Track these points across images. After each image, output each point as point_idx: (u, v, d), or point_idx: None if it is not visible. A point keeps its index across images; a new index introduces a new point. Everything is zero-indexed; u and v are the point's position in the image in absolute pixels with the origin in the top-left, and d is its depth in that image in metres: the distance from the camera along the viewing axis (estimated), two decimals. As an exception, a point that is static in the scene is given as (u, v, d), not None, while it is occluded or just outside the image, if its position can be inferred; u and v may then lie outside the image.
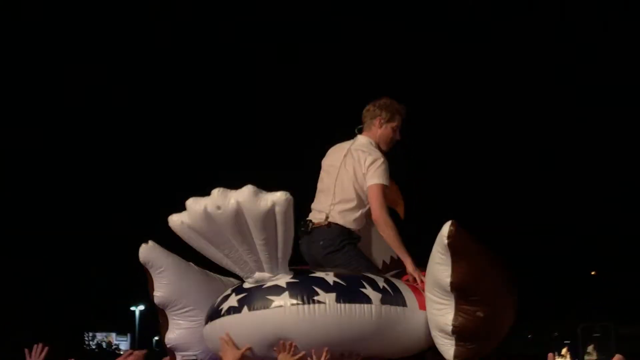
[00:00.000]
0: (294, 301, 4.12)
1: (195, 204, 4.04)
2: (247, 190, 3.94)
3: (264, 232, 4.03)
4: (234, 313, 4.23)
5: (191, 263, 4.73)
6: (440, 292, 4.20)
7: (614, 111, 32.99)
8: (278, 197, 3.95)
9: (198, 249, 4.25)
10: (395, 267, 4.91)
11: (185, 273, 4.68)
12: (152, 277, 4.63)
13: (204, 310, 4.57)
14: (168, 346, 4.75)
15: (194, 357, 4.83)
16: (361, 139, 5.10)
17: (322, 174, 5.15)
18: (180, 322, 4.69)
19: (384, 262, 5.07)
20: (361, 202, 4.88)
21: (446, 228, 4.11)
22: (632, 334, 24.22)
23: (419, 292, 4.47)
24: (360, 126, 5.20)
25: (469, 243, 4.15)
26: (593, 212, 32.41)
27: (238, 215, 3.96)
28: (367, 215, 4.91)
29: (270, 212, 3.95)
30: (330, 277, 4.25)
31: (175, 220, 4.16)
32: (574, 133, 32.60)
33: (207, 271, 4.78)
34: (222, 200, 3.95)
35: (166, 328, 4.73)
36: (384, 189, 4.83)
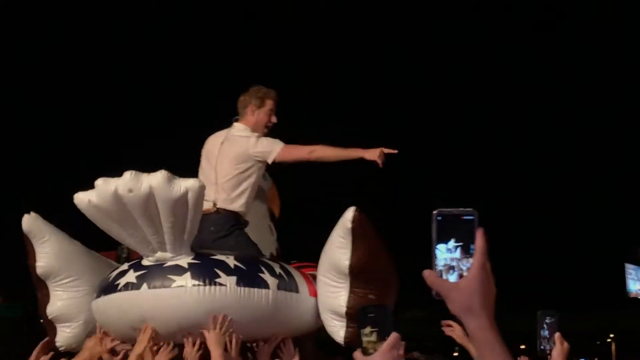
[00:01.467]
0: (195, 282, 4.16)
1: (105, 185, 3.99)
2: (161, 175, 3.96)
3: (173, 216, 4.06)
4: (132, 289, 4.24)
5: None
6: (336, 275, 4.34)
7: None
8: (192, 184, 4.02)
9: (101, 227, 4.22)
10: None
11: (68, 244, 4.66)
12: (35, 247, 4.58)
13: (87, 281, 4.60)
14: (50, 317, 4.68)
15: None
16: (238, 126, 5.20)
17: (202, 162, 5.22)
18: (62, 293, 4.65)
19: (271, 254, 5.20)
20: (244, 185, 4.96)
21: (350, 213, 4.26)
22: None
23: (309, 279, 4.62)
24: (236, 117, 5.30)
25: (368, 228, 4.31)
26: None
27: (149, 199, 3.97)
28: (250, 203, 5.03)
29: (182, 198, 4.00)
30: (231, 261, 4.33)
31: (82, 198, 4.10)
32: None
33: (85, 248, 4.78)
34: (135, 184, 3.94)
35: (46, 302, 4.67)
36: (287, 147, 4.92)
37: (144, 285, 4.21)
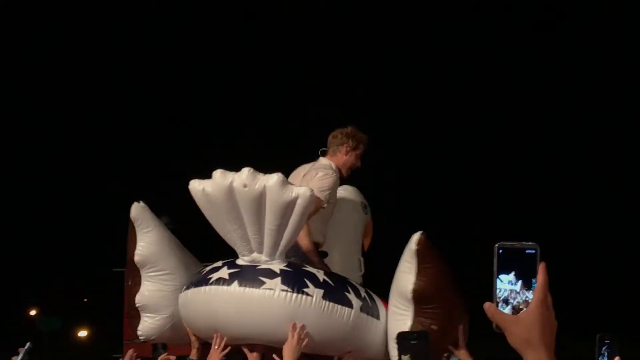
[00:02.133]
0: (284, 287, 4.27)
1: (222, 177, 4.22)
2: (277, 177, 4.17)
3: (280, 219, 4.24)
4: (223, 284, 4.37)
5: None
6: (401, 302, 4.37)
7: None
8: (303, 192, 4.23)
9: (208, 217, 4.45)
10: None
11: (168, 239, 4.85)
12: (137, 234, 4.75)
13: (179, 277, 4.77)
14: (137, 305, 4.83)
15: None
16: (323, 161, 5.36)
17: None
18: (153, 283, 4.79)
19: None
20: (317, 216, 4.98)
21: (416, 236, 4.33)
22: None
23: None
24: (324, 149, 5.46)
25: (434, 254, 4.36)
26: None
27: (261, 198, 4.16)
28: (325, 234, 5.16)
29: (292, 203, 4.19)
30: (320, 274, 4.44)
31: (197, 186, 4.36)
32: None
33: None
34: (251, 181, 4.15)
35: (136, 291, 4.82)
36: (317, 200, 4.78)
37: (235, 283, 4.35)
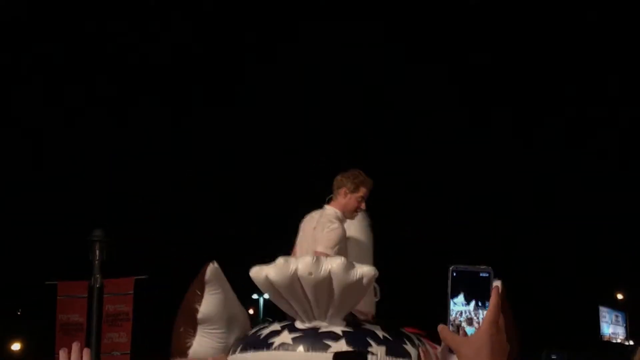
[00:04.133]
0: (350, 349, 4.40)
1: (286, 265, 4.35)
2: (341, 261, 4.30)
3: (345, 297, 4.39)
4: (287, 349, 4.47)
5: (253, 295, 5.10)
6: None
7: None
8: (367, 271, 4.34)
9: (269, 296, 4.56)
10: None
11: (232, 300, 4.90)
12: (205, 293, 4.77)
13: (232, 335, 4.83)
14: (190, 357, 4.85)
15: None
16: (328, 210, 5.49)
17: (298, 240, 5.57)
18: (207, 339, 4.82)
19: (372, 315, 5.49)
20: None
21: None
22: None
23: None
24: (331, 195, 5.60)
25: (507, 303, 4.57)
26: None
27: (327, 281, 4.31)
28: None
29: (357, 283, 4.33)
30: (379, 331, 4.58)
31: (259, 272, 4.45)
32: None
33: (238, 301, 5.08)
34: (316, 268, 4.30)
35: (187, 338, 4.83)
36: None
37: (300, 347, 4.46)
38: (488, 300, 1.65)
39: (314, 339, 4.43)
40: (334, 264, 4.31)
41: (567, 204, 41.25)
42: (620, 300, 38.49)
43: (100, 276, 12.62)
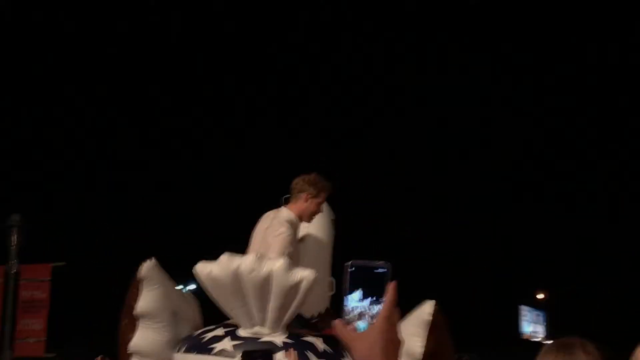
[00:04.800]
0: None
1: (229, 261, 4.40)
2: (283, 262, 4.37)
3: (284, 299, 4.41)
4: (226, 357, 4.47)
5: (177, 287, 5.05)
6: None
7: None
8: (307, 275, 4.40)
9: (211, 296, 4.58)
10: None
11: (171, 294, 4.91)
12: (143, 289, 4.78)
13: (175, 329, 4.84)
14: (131, 350, 4.87)
15: None
16: (283, 213, 5.50)
17: (252, 240, 5.53)
18: (148, 332, 4.83)
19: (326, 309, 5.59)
20: None
21: (430, 307, 4.64)
22: None
23: None
24: (287, 196, 5.62)
25: (443, 321, 4.71)
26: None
27: (267, 281, 4.35)
28: None
29: (296, 286, 4.38)
30: (319, 344, 4.60)
31: (203, 269, 4.50)
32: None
33: (186, 295, 5.16)
34: (257, 266, 4.34)
35: (130, 331, 4.86)
36: None
37: (239, 356, 4.44)
38: (384, 296, 1.63)
39: (254, 347, 4.47)
40: (275, 265, 4.36)
41: (489, 206, 41.87)
42: (541, 299, 39.25)
43: (16, 262, 12.22)
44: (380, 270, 1.65)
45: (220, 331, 4.66)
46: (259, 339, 4.50)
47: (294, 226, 5.44)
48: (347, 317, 1.63)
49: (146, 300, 4.80)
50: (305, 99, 36.87)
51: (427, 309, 4.67)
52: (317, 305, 5.43)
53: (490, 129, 40.56)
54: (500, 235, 40.99)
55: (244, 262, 4.36)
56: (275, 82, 35.68)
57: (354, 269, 1.65)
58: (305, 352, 4.45)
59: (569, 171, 43.67)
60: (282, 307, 4.45)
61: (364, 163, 35.17)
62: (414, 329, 4.61)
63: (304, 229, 5.76)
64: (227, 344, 4.51)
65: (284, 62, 35.88)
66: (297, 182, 5.60)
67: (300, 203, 5.55)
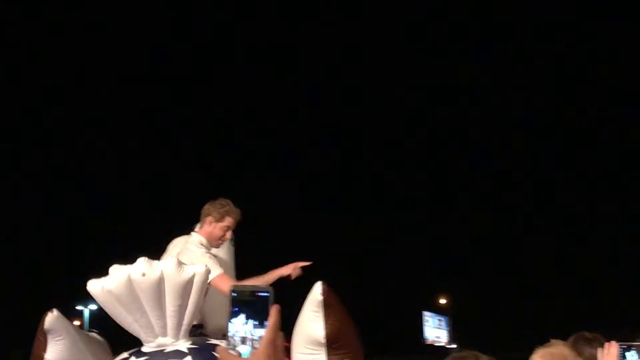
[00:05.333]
0: None
1: (119, 271, 4.29)
2: (173, 261, 4.32)
3: (180, 299, 4.34)
4: None
5: (89, 332, 4.96)
6: (313, 348, 4.58)
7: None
8: (199, 269, 4.36)
9: (110, 313, 4.43)
10: None
11: (79, 342, 4.74)
12: (48, 341, 4.62)
13: None
14: None
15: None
16: (193, 237, 5.54)
17: None
18: None
19: None
20: None
21: (319, 287, 4.56)
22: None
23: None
24: (198, 223, 5.65)
25: (337, 299, 4.63)
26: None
27: (160, 283, 4.27)
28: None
29: (190, 282, 4.32)
30: (226, 345, 4.27)
31: (96, 286, 4.35)
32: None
33: (92, 337, 4.95)
34: (147, 268, 4.26)
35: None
36: (220, 277, 5.17)
37: None
38: (267, 319, 1.64)
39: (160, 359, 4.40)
40: (165, 264, 4.31)
41: (390, 213, 42.33)
42: (443, 305, 39.82)
43: None
44: (262, 294, 1.66)
45: (124, 355, 4.59)
46: (163, 350, 4.44)
47: (206, 248, 5.48)
48: (230, 342, 1.64)
49: (53, 351, 4.70)
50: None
51: (317, 289, 4.65)
52: (223, 324, 5.39)
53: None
54: (402, 242, 41.50)
55: (133, 268, 4.29)
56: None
57: (235, 293, 1.66)
58: (213, 353, 4.27)
59: (467, 179, 44.58)
60: (180, 310, 4.40)
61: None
62: (311, 314, 4.63)
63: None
64: None
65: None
66: (204, 208, 5.67)
67: (206, 227, 5.61)
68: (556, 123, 44.57)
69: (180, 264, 4.33)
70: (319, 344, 4.56)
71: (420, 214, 42.87)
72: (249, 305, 1.65)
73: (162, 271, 4.27)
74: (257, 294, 1.66)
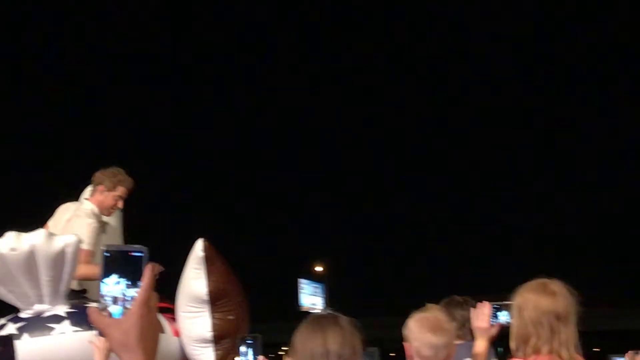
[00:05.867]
0: (75, 328, 4.47)
1: None
2: (42, 233, 4.38)
3: (53, 269, 4.40)
4: (14, 340, 4.43)
5: None
6: (196, 305, 4.68)
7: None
8: (70, 239, 4.43)
9: None
10: None
11: None
12: None
13: None
14: None
15: None
16: (85, 205, 5.51)
17: (51, 229, 5.32)
18: None
19: None
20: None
21: (200, 244, 4.67)
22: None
23: (170, 320, 4.91)
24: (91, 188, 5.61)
25: (218, 256, 4.75)
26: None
27: (31, 255, 4.32)
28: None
29: (61, 253, 4.37)
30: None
31: None
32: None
33: None
34: (17, 243, 4.30)
35: None
36: (85, 253, 5.04)
37: (25, 335, 4.43)
38: (140, 280, 1.59)
39: (38, 325, 4.44)
40: (35, 237, 4.33)
41: (271, 186, 42.51)
42: (319, 272, 40.24)
43: None
44: (136, 254, 1.62)
45: (1, 321, 4.58)
46: (41, 315, 4.47)
47: (97, 218, 5.44)
48: (101, 303, 1.59)
49: None
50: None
51: (198, 246, 4.69)
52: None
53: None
54: (278, 210, 41.70)
55: (2, 242, 4.30)
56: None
57: (109, 254, 1.62)
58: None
59: (332, 146, 45.07)
60: (55, 279, 4.41)
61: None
62: (193, 271, 4.65)
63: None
64: (10, 328, 4.45)
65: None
66: (95, 175, 5.59)
67: (97, 196, 5.54)
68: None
69: (50, 235, 4.36)
70: (201, 301, 4.61)
71: (294, 183, 43.20)
72: (122, 265, 1.60)
73: (31, 244, 4.28)
74: (130, 253, 1.62)
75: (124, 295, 1.58)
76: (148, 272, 1.59)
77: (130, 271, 1.60)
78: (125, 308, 1.57)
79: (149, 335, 1.59)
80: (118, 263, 1.61)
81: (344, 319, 2.85)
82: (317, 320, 2.88)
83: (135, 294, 1.58)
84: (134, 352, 1.55)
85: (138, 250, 1.63)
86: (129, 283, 1.59)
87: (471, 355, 3.91)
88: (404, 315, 3.57)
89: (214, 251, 4.74)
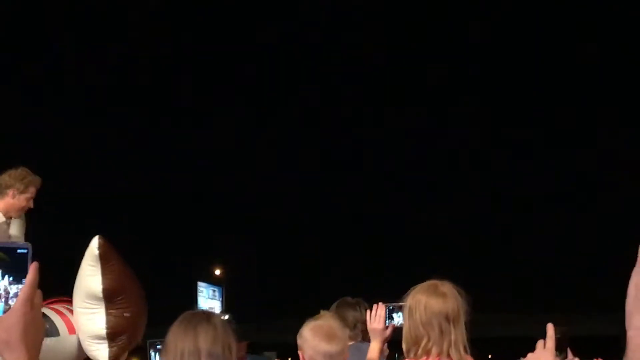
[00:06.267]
0: None
1: None
2: None
3: None
4: None
5: None
6: (92, 302, 4.61)
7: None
8: None
9: None
10: None
11: None
12: None
13: None
14: None
15: None
16: None
17: None
18: None
19: None
20: None
21: (95, 241, 4.59)
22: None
23: (65, 316, 4.84)
24: None
25: (114, 253, 4.68)
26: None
27: None
28: None
29: None
30: None
31: None
32: None
33: None
34: None
35: None
36: None
37: None
38: (25, 276, 1.56)
39: None
40: None
41: (174, 188, 42.07)
42: (218, 275, 40.03)
43: None
44: (20, 250, 1.60)
45: None
46: None
47: (6, 220, 5.43)
48: None
49: None
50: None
51: (93, 244, 4.64)
52: None
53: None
54: (179, 212, 41.26)
55: None
56: None
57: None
58: None
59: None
60: None
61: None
62: (89, 269, 4.60)
63: None
64: None
65: None
66: (3, 178, 5.51)
67: (8, 199, 5.47)
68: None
69: None
70: (97, 298, 4.59)
71: (201, 186, 42.87)
72: (6, 262, 1.58)
73: None
74: (16, 250, 1.60)
75: (8, 291, 1.56)
76: (32, 269, 1.56)
77: (14, 268, 1.58)
78: (6, 305, 1.55)
79: (32, 334, 1.55)
80: (2, 260, 1.58)
81: (217, 317, 2.88)
82: (189, 318, 2.90)
83: (18, 291, 1.55)
84: (16, 351, 1.52)
85: (22, 247, 1.61)
86: (12, 279, 1.57)
87: (364, 356, 3.94)
88: (302, 320, 3.59)
89: (111, 248, 4.70)
